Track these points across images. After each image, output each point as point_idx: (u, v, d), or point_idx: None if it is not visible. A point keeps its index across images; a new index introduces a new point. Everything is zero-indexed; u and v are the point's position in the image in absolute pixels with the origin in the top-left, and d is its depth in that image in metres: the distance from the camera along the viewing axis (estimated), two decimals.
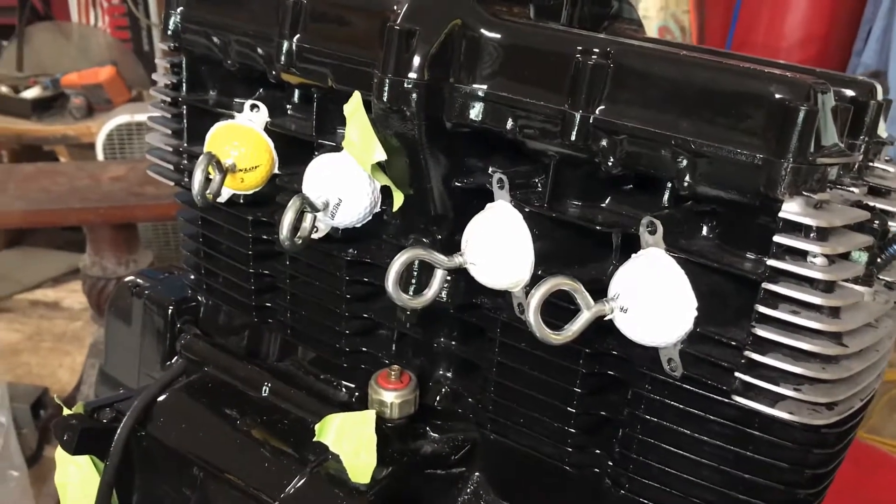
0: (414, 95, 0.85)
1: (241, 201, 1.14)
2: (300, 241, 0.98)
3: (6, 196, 3.16)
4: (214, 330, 1.29)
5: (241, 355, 1.19)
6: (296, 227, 0.97)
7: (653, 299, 0.81)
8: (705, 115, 0.76)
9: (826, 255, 0.75)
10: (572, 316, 0.82)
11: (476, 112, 0.87)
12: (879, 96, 0.96)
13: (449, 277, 0.97)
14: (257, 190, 1.12)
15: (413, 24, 0.85)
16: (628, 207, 0.91)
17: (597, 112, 0.81)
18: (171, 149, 1.18)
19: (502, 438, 1.02)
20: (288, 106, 1.12)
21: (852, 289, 0.78)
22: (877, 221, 0.95)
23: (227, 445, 0.98)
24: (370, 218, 1.03)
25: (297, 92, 1.11)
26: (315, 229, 1.04)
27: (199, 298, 1.31)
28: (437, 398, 1.07)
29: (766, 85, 0.74)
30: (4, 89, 4.90)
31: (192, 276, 1.30)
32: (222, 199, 1.12)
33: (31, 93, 4.87)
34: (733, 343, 0.80)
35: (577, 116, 0.81)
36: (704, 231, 0.86)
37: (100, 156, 4.21)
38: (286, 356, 1.22)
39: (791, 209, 0.74)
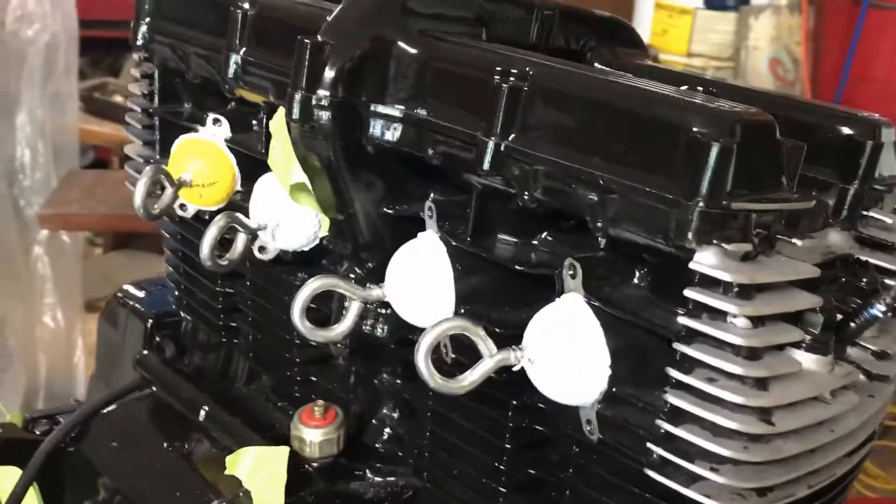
0: (325, 114, 0.79)
1: (207, 217, 1.11)
2: (226, 262, 0.93)
3: (93, 200, 3.29)
4: (191, 347, 1.27)
5: (196, 375, 1.15)
6: (224, 246, 0.93)
7: (561, 352, 0.72)
8: (616, 146, 0.67)
9: (749, 317, 0.64)
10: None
11: (394, 134, 0.81)
12: (885, 137, 0.83)
13: (383, 311, 0.90)
14: (221, 206, 1.09)
15: (328, 38, 0.79)
16: (564, 247, 0.81)
17: (509, 139, 0.73)
18: (142, 160, 1.16)
19: (437, 490, 0.94)
20: (254, 121, 1.09)
21: (788, 356, 0.66)
22: (864, 279, 0.82)
23: (145, 471, 0.95)
24: (316, 242, 0.98)
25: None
26: (262, 250, 0.99)
27: (181, 314, 1.29)
28: (380, 439, 1.00)
29: (682, 116, 0.64)
30: (119, 99, 5.17)
31: (175, 292, 1.28)
32: (188, 213, 1.10)
33: None
34: (650, 409, 0.70)
35: (490, 143, 0.73)
36: (636, 279, 0.75)
37: None
38: (253, 380, 1.18)
39: (704, 260, 0.64)
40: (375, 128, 0.81)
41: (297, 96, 0.79)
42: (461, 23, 0.86)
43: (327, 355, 1.06)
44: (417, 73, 0.79)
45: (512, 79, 0.73)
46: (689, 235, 0.62)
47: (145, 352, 1.18)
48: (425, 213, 0.84)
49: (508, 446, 0.85)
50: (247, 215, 1.01)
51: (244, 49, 0.95)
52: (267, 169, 1.04)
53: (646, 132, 0.65)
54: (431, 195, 0.87)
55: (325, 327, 0.84)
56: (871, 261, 0.82)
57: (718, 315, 0.65)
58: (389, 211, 0.87)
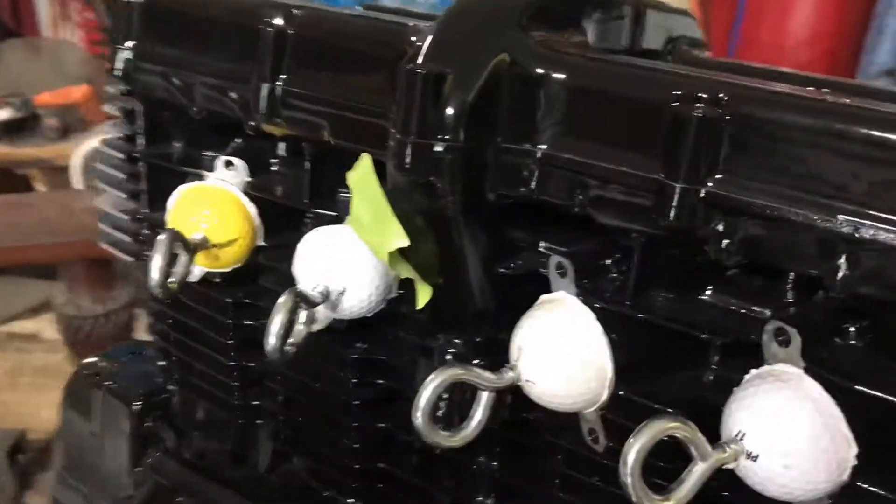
0: (447, 163, 0.61)
1: (218, 280, 0.90)
2: (292, 349, 0.74)
3: None
4: (191, 427, 1.06)
5: (221, 471, 0.95)
6: (287, 329, 0.73)
7: (797, 443, 0.58)
8: (877, 190, 0.53)
9: None
10: None
11: (532, 181, 0.64)
12: None
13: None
14: (237, 266, 0.89)
15: (441, 64, 0.61)
16: (737, 300, 0.67)
17: (709, 184, 0.58)
18: (127, 216, 0.93)
19: None
20: (273, 160, 0.89)
21: None
22: None
23: None
24: (384, 305, 0.80)
25: (283, 142, 0.87)
26: (311, 321, 0.80)
27: (171, 387, 1.07)
28: None
29: None
30: None
31: (163, 362, 1.07)
32: (194, 278, 0.89)
33: (2, 114, 4.61)
34: None
35: (678, 189, 0.58)
36: (851, 337, 0.62)
37: (76, 181, 3.95)
38: (280, 464, 0.99)
39: None
40: (506, 175, 0.64)
41: (410, 144, 0.60)
42: (567, 23, 0.70)
43: (389, 436, 0.88)
44: (561, 102, 0.62)
45: (702, 105, 0.57)
46: None
47: (158, 454, 0.96)
48: (552, 271, 0.68)
49: None
50: (281, 278, 0.82)
51: (283, 77, 0.75)
52: (298, 218, 0.85)
53: None
54: (550, 247, 0.72)
55: (455, 429, 0.67)
56: None
57: None
58: (504, 270, 0.71)
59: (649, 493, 0.56)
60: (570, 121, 0.62)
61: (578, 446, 0.71)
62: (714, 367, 0.69)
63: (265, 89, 0.75)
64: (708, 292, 0.68)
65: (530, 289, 0.70)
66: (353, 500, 0.92)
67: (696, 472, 0.58)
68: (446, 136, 0.60)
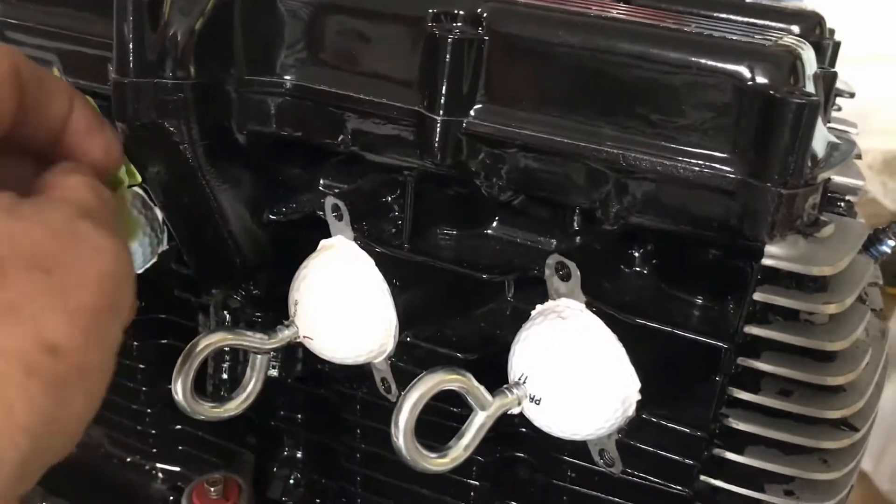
0: (178, 103, 0.53)
1: None
2: None
3: None
4: None
5: None
6: None
7: (578, 383, 0.54)
8: (643, 113, 0.48)
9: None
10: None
11: (284, 117, 0.56)
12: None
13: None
14: None
15: None
16: (522, 231, 0.63)
17: (471, 114, 0.52)
18: None
19: None
20: None
21: (857, 346, 0.54)
22: (851, 197, 0.71)
23: None
24: (155, 259, 0.71)
25: None
26: None
27: None
28: (288, 490, 0.79)
29: (733, 59, 0.46)
30: None
31: None
32: None
33: None
34: (698, 434, 0.55)
35: (439, 122, 0.52)
36: (636, 264, 0.59)
37: None
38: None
39: (777, 253, 0.49)
40: (253, 112, 0.56)
41: (128, 83, 0.51)
42: None
43: None
44: (309, 25, 0.54)
45: (459, 25, 0.51)
46: (767, 228, 0.46)
47: None
48: (328, 213, 0.61)
49: (476, 483, 0.68)
50: None
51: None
52: None
53: (684, 90, 0.47)
54: (328, 184, 0.65)
55: (223, 399, 0.60)
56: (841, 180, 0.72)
57: (790, 314, 0.50)
58: (275, 217, 0.63)
59: (423, 452, 0.52)
60: (316, 46, 0.54)
61: (374, 396, 0.67)
62: (511, 300, 0.66)
63: None
64: (494, 225, 0.63)
65: (319, 234, 0.63)
66: (157, 464, 0.85)
67: (476, 424, 0.54)
68: (172, 73, 0.52)
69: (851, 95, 0.74)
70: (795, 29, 0.69)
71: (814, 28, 0.69)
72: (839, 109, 0.78)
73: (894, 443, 1.93)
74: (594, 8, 0.53)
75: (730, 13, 0.70)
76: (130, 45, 0.51)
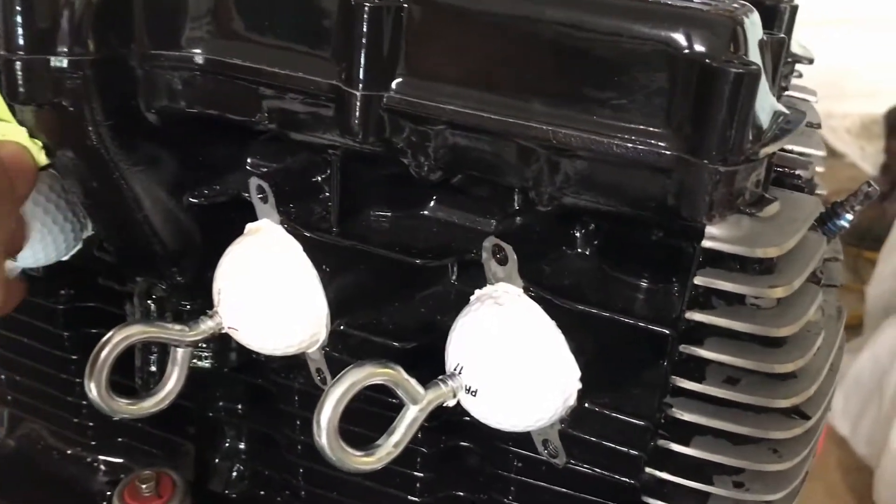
0: (77, 81, 0.48)
1: None
2: None
3: None
4: None
5: None
6: None
7: (514, 373, 0.51)
8: (573, 86, 0.45)
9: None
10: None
11: (193, 94, 0.52)
12: None
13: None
14: None
15: None
16: (460, 212, 0.59)
17: (392, 88, 0.48)
18: None
19: None
20: None
21: (808, 329, 0.51)
22: (799, 171, 0.68)
23: None
24: (80, 245, 0.67)
25: None
26: None
27: None
28: (231, 482, 0.76)
29: (660, 28, 0.42)
30: None
31: None
32: None
33: None
34: (642, 424, 0.52)
35: (358, 97, 0.48)
36: (577, 245, 0.56)
37: None
38: (17, 426, 0.87)
39: (718, 234, 0.45)
40: (161, 89, 0.52)
41: (18, 60, 0.47)
42: None
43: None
44: None
45: None
46: (705, 208, 0.43)
47: None
48: (253, 195, 0.57)
49: (421, 474, 0.65)
50: None
51: None
52: None
53: (615, 61, 0.44)
54: (255, 162, 0.61)
55: (141, 396, 0.57)
56: (795, 150, 0.68)
57: (734, 299, 0.47)
58: (196, 200, 0.60)
59: (349, 451, 0.49)
60: (225, 16, 0.50)
61: (311, 387, 0.63)
62: (456, 283, 0.63)
63: None
64: (430, 206, 0.60)
65: (250, 217, 0.59)
66: (99, 456, 0.82)
67: (407, 419, 0.51)
68: (68, 48, 0.47)
69: (810, 61, 0.71)
70: None
71: None
72: (800, 76, 0.74)
73: (871, 407, 1.92)
74: None
75: None
76: (18, 18, 0.47)
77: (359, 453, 0.50)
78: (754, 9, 0.47)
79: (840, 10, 3.01)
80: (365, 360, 0.51)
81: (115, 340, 0.54)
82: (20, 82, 0.48)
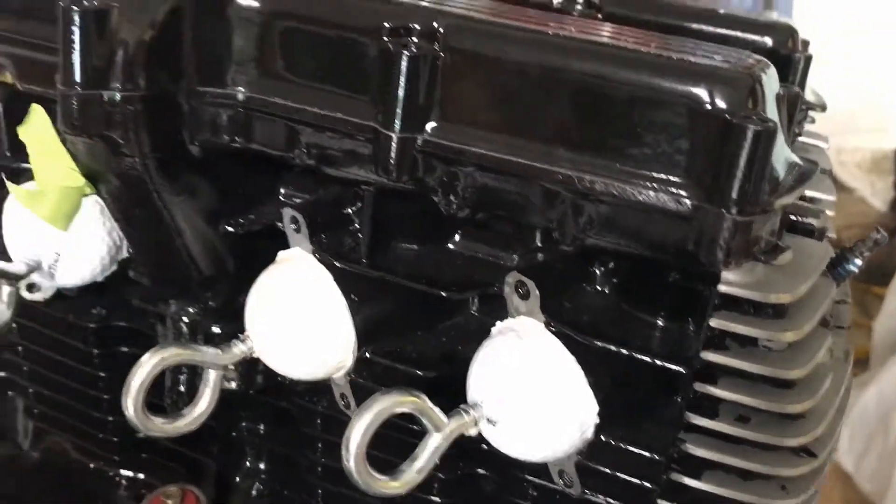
0: (126, 115, 0.51)
1: None
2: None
3: None
4: None
5: None
6: None
7: (534, 405, 0.54)
8: (598, 135, 0.47)
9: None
10: None
11: (236, 130, 0.55)
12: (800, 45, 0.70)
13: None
14: None
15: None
16: (485, 247, 0.62)
17: (426, 131, 0.51)
18: None
19: None
20: None
21: (817, 372, 0.53)
22: (813, 220, 0.70)
23: None
24: (115, 267, 0.70)
25: None
26: (32, 288, 0.70)
27: None
28: (250, 502, 0.78)
29: (683, 83, 0.45)
30: None
31: None
32: None
33: None
34: (656, 458, 0.54)
35: (395, 139, 0.51)
36: (597, 283, 0.58)
37: None
38: (41, 440, 0.89)
39: (734, 279, 0.47)
40: (206, 124, 0.55)
41: (74, 94, 0.50)
42: None
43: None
44: (263, 36, 0.53)
45: (415, 40, 0.50)
46: (722, 255, 0.45)
47: None
48: (287, 225, 0.60)
49: (437, 500, 0.67)
50: None
51: None
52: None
53: (639, 111, 0.46)
54: (289, 193, 0.64)
55: (174, 415, 0.59)
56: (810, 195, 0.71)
57: (747, 341, 0.50)
58: (232, 228, 0.62)
59: (375, 475, 0.51)
60: (270, 57, 0.53)
61: (334, 411, 0.65)
62: (476, 314, 0.65)
63: None
64: (456, 240, 0.62)
65: (282, 245, 0.62)
66: (122, 471, 0.84)
67: (431, 446, 0.53)
68: (121, 85, 0.50)
69: (823, 109, 0.73)
70: (768, 41, 0.68)
71: (786, 40, 0.68)
72: (812, 122, 0.77)
73: (876, 443, 1.93)
74: (553, 25, 0.52)
75: (702, 23, 0.69)
76: (77, 56, 0.49)
77: (384, 478, 0.52)
78: (771, 64, 0.50)
79: (848, 47, 3.04)
80: (391, 388, 0.53)
81: (154, 361, 0.56)
82: (75, 115, 0.50)
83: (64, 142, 0.54)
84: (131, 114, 0.51)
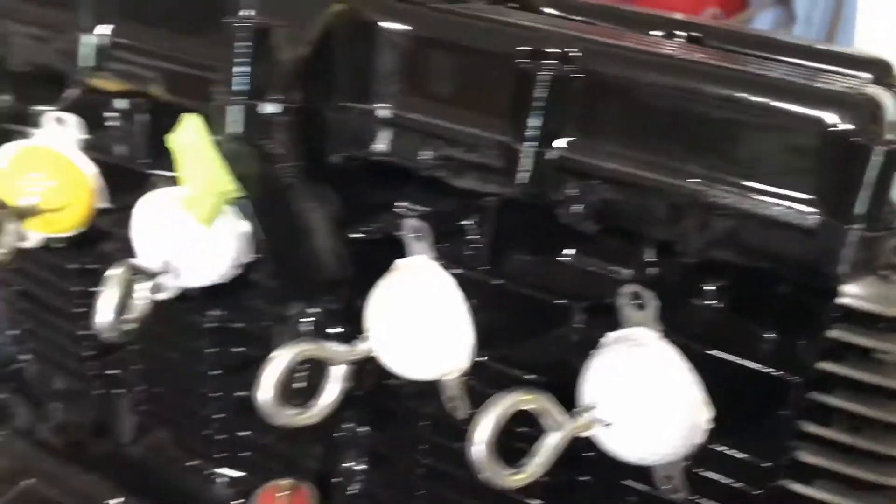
0: (281, 125, 0.56)
1: (64, 245, 0.83)
2: (129, 327, 0.68)
3: None
4: (47, 397, 0.99)
5: (78, 446, 0.89)
6: (123, 304, 0.68)
7: (650, 409, 0.56)
8: (728, 153, 0.51)
9: None
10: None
11: (376, 143, 0.59)
12: None
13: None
14: (80, 230, 0.82)
15: (272, 16, 0.55)
16: (597, 260, 0.65)
17: (558, 146, 0.55)
18: None
19: None
20: (111, 114, 0.81)
21: None
22: None
23: None
24: (240, 270, 0.75)
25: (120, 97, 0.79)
26: (157, 289, 0.74)
27: (24, 357, 1.00)
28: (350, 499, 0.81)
29: (812, 106, 0.48)
30: None
31: (13, 331, 0.99)
32: (31, 243, 0.81)
33: None
34: (764, 465, 0.57)
35: (528, 153, 0.54)
36: (708, 296, 0.61)
37: None
38: (143, 435, 0.94)
39: (854, 293, 0.50)
40: (349, 136, 0.59)
41: (239, 105, 0.55)
42: None
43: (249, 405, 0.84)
44: (406, 58, 0.58)
45: (552, 62, 0.54)
46: (846, 268, 0.48)
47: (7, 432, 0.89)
48: (407, 234, 0.64)
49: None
50: (121, 245, 0.76)
51: (107, 26, 0.67)
52: (139, 180, 0.78)
53: (767, 132, 0.50)
54: (409, 206, 0.68)
55: (304, 406, 0.63)
56: None
57: (862, 352, 0.52)
58: (357, 235, 0.66)
59: (500, 469, 0.54)
60: (412, 77, 0.58)
61: (440, 413, 0.69)
62: (579, 327, 0.68)
63: (89, 39, 0.67)
64: (569, 252, 0.66)
65: (395, 252, 0.66)
66: (220, 468, 0.88)
67: (550, 444, 0.56)
68: (279, 96, 0.55)
69: None
70: (867, 75, 0.71)
71: (885, 75, 0.71)
72: None
73: None
74: (681, 50, 0.55)
75: (801, 58, 0.72)
76: (243, 69, 0.54)
77: (510, 471, 0.55)
78: (890, 90, 0.53)
79: None
80: (513, 389, 0.56)
81: (288, 355, 0.60)
82: (238, 124, 0.55)
83: (219, 149, 0.59)
84: (286, 124, 0.56)
